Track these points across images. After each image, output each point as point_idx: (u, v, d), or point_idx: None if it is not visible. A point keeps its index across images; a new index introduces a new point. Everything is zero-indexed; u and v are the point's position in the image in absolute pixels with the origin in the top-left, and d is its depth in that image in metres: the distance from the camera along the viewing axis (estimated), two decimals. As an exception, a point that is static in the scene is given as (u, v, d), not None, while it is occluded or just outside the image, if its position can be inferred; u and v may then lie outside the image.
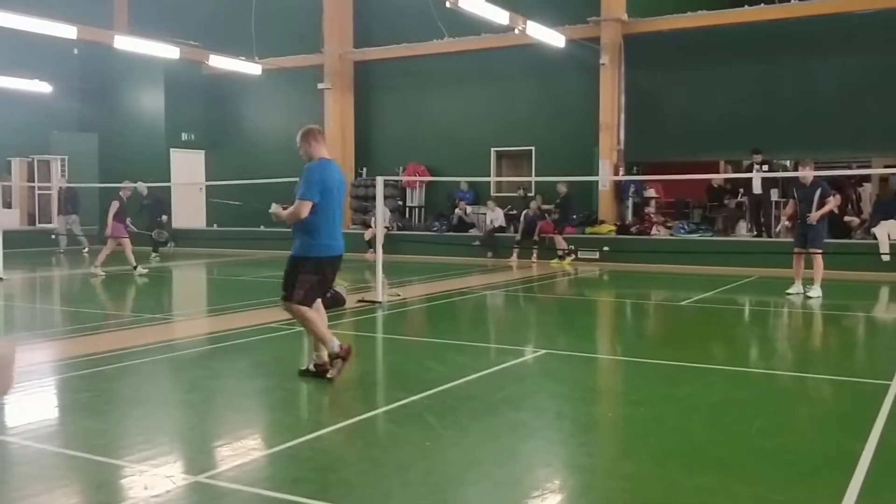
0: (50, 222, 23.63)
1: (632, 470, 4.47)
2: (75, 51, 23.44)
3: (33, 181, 23.26)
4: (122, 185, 15.95)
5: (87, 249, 21.24)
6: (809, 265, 11.81)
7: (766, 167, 16.45)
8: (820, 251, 11.61)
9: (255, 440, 5.11)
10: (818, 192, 11.41)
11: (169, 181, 22.74)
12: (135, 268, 15.29)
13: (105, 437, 5.06)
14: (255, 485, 4.18)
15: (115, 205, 15.24)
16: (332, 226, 6.36)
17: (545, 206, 18.14)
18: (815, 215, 11.38)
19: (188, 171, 23.89)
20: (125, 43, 18.25)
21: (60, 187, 22.21)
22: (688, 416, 5.53)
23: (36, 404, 6.01)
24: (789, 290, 11.87)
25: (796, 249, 11.92)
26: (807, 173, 11.62)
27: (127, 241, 15.34)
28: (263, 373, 7.13)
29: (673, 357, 7.63)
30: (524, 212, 18.27)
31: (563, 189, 17.81)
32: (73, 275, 16.89)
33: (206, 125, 24.53)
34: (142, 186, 18.10)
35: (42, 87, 22.18)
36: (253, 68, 20.77)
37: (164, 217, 19.85)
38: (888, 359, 7.90)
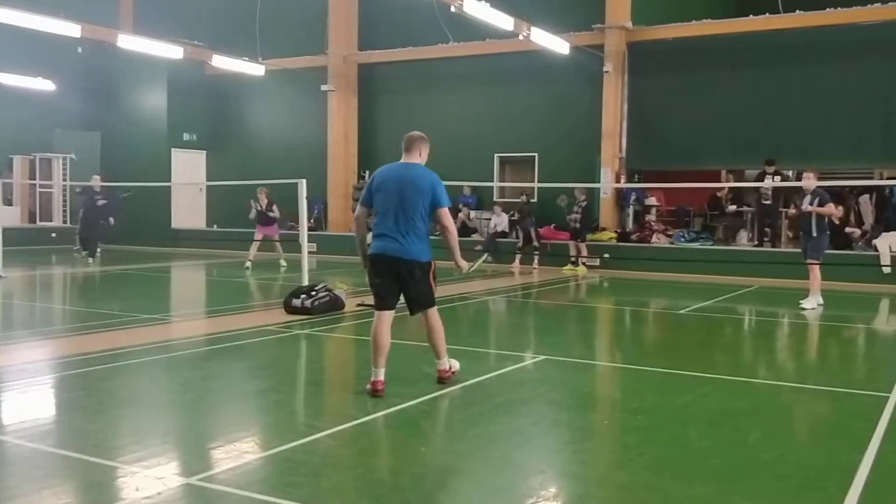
0: (51, 220, 23.63)
1: (627, 479, 4.43)
2: (79, 49, 23.38)
3: (35, 179, 23.23)
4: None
5: (77, 248, 21.27)
6: (806, 276, 11.74)
7: (778, 178, 16.40)
8: (817, 262, 11.53)
9: (248, 443, 5.07)
10: (816, 201, 11.36)
11: (170, 181, 22.73)
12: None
13: (97, 438, 5.03)
14: (248, 488, 4.15)
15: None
16: None
17: (573, 215, 17.67)
18: (811, 208, 11.26)
19: (189, 171, 23.86)
20: (129, 42, 18.27)
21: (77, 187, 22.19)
22: (685, 425, 5.49)
23: (29, 403, 5.99)
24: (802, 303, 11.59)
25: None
26: (809, 182, 11.57)
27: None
28: (259, 375, 7.10)
29: (671, 365, 7.59)
30: (522, 220, 18.15)
31: (581, 196, 17.39)
32: (72, 273, 16.86)
33: (208, 125, 24.48)
34: (96, 181, 18.34)
35: (45, 86, 22.20)
36: (256, 69, 20.76)
37: (112, 220, 18.58)
38: (887, 371, 7.86)
